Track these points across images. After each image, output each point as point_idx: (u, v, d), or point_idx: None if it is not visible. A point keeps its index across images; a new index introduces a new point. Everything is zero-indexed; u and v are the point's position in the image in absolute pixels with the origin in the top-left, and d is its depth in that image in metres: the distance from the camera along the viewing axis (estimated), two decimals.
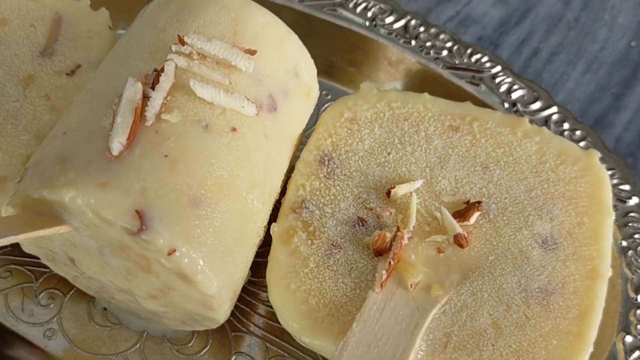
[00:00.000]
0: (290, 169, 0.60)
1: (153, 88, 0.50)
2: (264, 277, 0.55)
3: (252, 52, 0.54)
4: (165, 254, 0.47)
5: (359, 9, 0.75)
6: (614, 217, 0.57)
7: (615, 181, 0.65)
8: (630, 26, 0.84)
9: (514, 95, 0.70)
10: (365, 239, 0.56)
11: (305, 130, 0.62)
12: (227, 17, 0.56)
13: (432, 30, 0.74)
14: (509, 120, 0.62)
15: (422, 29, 0.74)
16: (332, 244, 0.55)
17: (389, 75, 0.74)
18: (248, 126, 0.53)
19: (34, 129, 0.59)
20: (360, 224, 0.56)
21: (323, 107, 0.72)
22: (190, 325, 0.56)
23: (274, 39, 0.57)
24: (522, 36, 0.83)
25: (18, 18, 0.64)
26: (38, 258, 0.58)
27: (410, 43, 0.73)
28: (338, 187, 0.58)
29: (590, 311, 0.53)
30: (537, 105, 0.70)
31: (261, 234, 0.55)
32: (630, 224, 0.63)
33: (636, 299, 0.59)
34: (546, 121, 0.68)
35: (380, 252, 0.54)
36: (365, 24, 0.74)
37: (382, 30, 0.74)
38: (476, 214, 0.56)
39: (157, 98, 0.50)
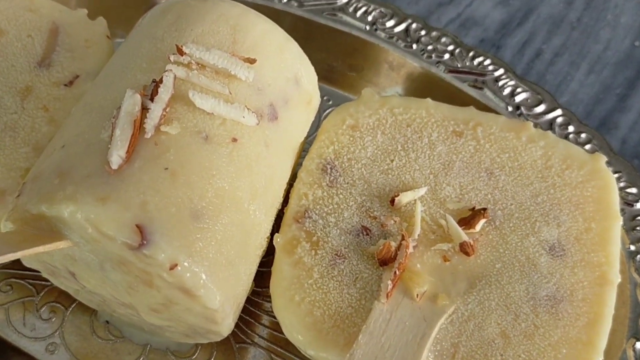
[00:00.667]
0: (293, 178, 0.59)
1: (152, 99, 0.49)
2: (268, 287, 0.55)
3: (251, 61, 0.53)
4: (167, 269, 0.46)
5: (359, 13, 0.74)
6: (621, 222, 0.56)
7: (621, 184, 0.64)
8: (634, 26, 0.84)
9: (518, 99, 0.69)
10: (369, 248, 0.55)
11: (306, 138, 0.62)
12: (225, 26, 0.55)
13: (434, 33, 0.73)
14: (513, 124, 0.61)
15: (423, 32, 0.73)
16: (336, 254, 0.55)
17: (390, 79, 0.73)
18: (249, 136, 0.52)
19: (32, 141, 0.58)
20: (365, 233, 0.56)
21: (324, 113, 0.72)
22: (193, 338, 0.56)
23: (273, 46, 0.57)
24: (525, 37, 0.82)
25: (15, 29, 0.64)
26: (39, 271, 0.57)
27: (411, 47, 0.72)
28: (341, 196, 0.57)
29: (600, 319, 0.52)
30: (541, 108, 0.69)
31: (264, 244, 0.55)
32: (638, 228, 0.62)
33: None
34: (551, 124, 0.68)
35: (385, 262, 0.53)
36: (365, 28, 0.74)
37: (383, 34, 0.73)
38: (482, 221, 0.55)
39: (156, 109, 0.49)
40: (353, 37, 0.73)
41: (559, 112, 0.68)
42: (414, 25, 0.73)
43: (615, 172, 0.64)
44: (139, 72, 0.53)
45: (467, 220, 0.55)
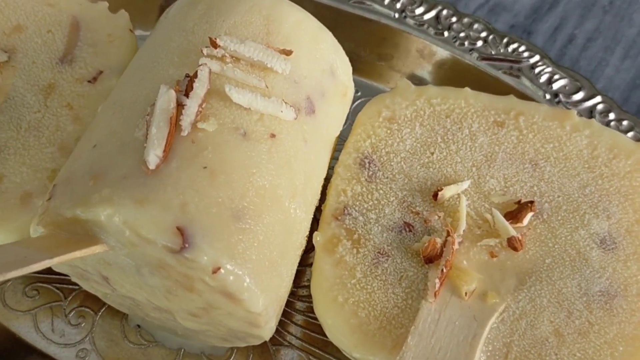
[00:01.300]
0: (328, 173, 0.57)
1: (187, 95, 0.47)
2: (301, 286, 0.53)
3: (287, 53, 0.51)
4: (209, 272, 0.44)
5: (387, 1, 0.71)
6: None
7: None
8: None
9: (555, 86, 0.67)
10: (413, 245, 0.53)
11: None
12: (258, 16, 0.53)
13: (465, 20, 0.70)
14: (556, 113, 0.58)
15: (454, 19, 0.70)
16: (379, 252, 0.53)
17: (421, 68, 0.71)
18: (287, 131, 0.50)
19: (57, 140, 0.56)
20: (407, 229, 0.53)
21: (353, 105, 0.69)
22: (231, 342, 0.54)
23: (308, 37, 0.54)
24: (556, 22, 0.80)
25: (34, 24, 0.61)
26: (66, 275, 0.55)
27: (442, 34, 0.70)
28: (381, 191, 0.55)
29: None
30: (579, 96, 0.66)
31: (304, 243, 0.53)
32: None
33: None
34: (591, 112, 0.65)
35: (431, 259, 0.51)
36: (394, 15, 0.71)
37: (412, 22, 0.71)
38: (529, 215, 0.53)
39: (192, 106, 0.47)
40: (381, 25, 0.71)
41: (598, 99, 0.66)
42: (444, 12, 0.71)
43: None
44: (171, 67, 0.51)
45: (514, 214, 0.53)
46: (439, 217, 0.54)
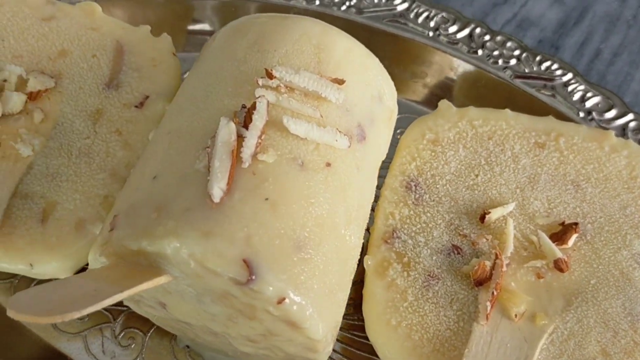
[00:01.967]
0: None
1: (246, 127, 0.48)
2: None
3: (340, 82, 0.52)
4: (274, 303, 0.45)
5: (420, 19, 0.72)
6: None
7: None
8: None
9: (588, 104, 0.68)
10: (462, 268, 0.54)
11: None
12: (309, 45, 0.54)
13: (498, 38, 0.71)
14: (595, 134, 0.60)
15: (487, 37, 0.71)
16: (429, 275, 0.54)
17: (455, 86, 0.72)
18: (341, 160, 0.51)
19: (108, 166, 0.57)
20: (456, 252, 0.55)
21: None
22: None
23: (357, 64, 0.55)
24: (582, 37, 0.81)
25: (78, 49, 0.62)
26: None
27: (476, 52, 0.71)
28: (428, 214, 0.56)
29: None
30: (612, 114, 0.68)
31: (355, 268, 0.54)
32: None
33: None
34: (623, 129, 0.67)
35: (481, 282, 0.53)
36: (428, 34, 0.72)
37: (445, 40, 0.72)
38: (574, 236, 0.55)
39: (252, 138, 0.47)
40: (415, 44, 0.72)
41: (630, 116, 0.67)
42: (477, 30, 0.72)
43: None
44: (225, 97, 0.51)
45: (559, 235, 0.55)
46: (487, 239, 0.55)
